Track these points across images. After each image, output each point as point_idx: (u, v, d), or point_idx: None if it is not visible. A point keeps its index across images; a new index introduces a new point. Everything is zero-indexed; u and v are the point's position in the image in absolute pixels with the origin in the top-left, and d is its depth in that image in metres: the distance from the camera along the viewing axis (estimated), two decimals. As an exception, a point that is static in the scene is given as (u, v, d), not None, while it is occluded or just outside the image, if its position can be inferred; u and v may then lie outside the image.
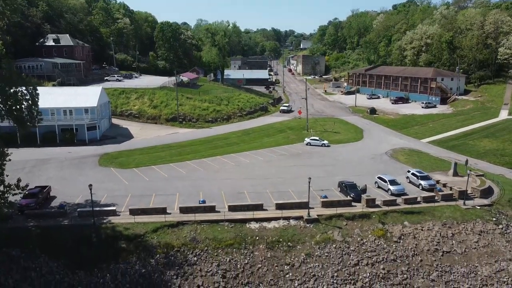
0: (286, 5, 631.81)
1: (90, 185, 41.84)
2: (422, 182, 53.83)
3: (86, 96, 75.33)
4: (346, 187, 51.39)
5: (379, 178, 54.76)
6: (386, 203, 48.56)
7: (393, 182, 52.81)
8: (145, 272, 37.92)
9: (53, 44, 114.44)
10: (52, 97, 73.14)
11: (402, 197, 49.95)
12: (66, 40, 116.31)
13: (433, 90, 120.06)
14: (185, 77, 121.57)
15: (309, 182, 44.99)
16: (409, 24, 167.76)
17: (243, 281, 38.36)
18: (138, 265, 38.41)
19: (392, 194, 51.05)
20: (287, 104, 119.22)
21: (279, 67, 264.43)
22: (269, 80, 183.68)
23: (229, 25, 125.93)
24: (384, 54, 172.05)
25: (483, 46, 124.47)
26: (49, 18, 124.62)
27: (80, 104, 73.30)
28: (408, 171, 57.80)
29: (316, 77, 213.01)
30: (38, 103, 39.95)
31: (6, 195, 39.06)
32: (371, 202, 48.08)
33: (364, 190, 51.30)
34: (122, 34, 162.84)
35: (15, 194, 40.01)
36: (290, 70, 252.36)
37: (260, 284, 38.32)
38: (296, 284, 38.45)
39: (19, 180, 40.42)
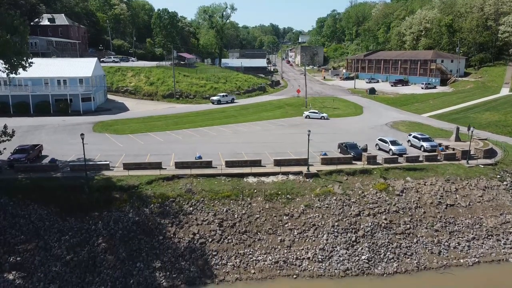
0: (284, 0, 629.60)
1: (82, 134, 40.38)
2: (424, 144, 52.66)
3: (81, 67, 73.77)
4: (347, 146, 50.07)
5: (380, 140, 53.57)
6: (387, 161, 47.28)
7: (394, 143, 51.62)
8: (139, 220, 36.48)
9: (48, 23, 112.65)
10: (45, 67, 71.61)
11: (404, 155, 48.77)
12: (61, 19, 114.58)
13: (433, 71, 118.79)
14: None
15: (308, 135, 43.65)
16: (408, 11, 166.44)
17: (241, 229, 36.95)
18: (132, 213, 36.98)
19: (394, 154, 49.77)
20: (223, 94, 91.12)
21: (277, 60, 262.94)
22: (267, 69, 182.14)
23: (226, 7, 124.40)
24: (383, 40, 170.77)
25: (483, 28, 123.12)
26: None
27: (75, 74, 71.71)
28: (409, 134, 56.78)
29: (314, 67, 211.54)
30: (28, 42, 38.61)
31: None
32: (372, 159, 46.77)
33: (365, 150, 49.95)
34: (119, 21, 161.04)
35: (3, 141, 38.68)
36: (288, 62, 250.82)
37: (258, 233, 36.90)
38: (295, 233, 37.06)
39: (5, 127, 39.09)
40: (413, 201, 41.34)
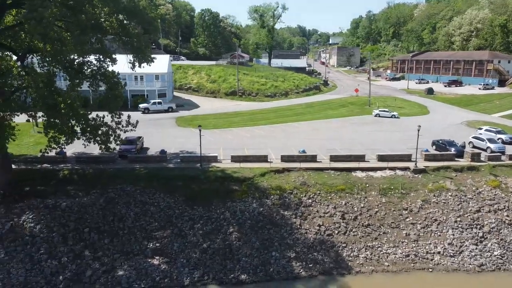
0: (312, 3, 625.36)
1: (199, 126, 41.20)
2: (503, 136, 53.58)
3: (156, 63, 74.63)
4: (445, 143, 49.57)
5: (475, 137, 52.86)
6: (491, 158, 46.50)
7: (491, 140, 50.86)
8: (263, 211, 36.85)
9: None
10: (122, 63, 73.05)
11: (506, 154, 47.88)
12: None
13: (489, 72, 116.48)
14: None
15: (418, 130, 43.51)
16: (455, 11, 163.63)
17: (363, 222, 36.92)
18: (255, 204, 37.40)
19: (492, 152, 48.95)
20: (154, 100, 74.18)
21: (310, 60, 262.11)
22: (306, 69, 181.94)
23: (278, 6, 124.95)
24: (429, 41, 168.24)
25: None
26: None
27: (151, 70, 72.85)
28: (480, 128, 57.06)
29: (351, 68, 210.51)
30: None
31: (117, 131, 38.63)
32: (476, 157, 46.07)
33: (463, 147, 49.39)
34: (164, 20, 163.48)
35: (127, 131, 39.58)
36: (322, 63, 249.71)
37: (381, 226, 36.80)
38: (418, 227, 36.80)
39: (129, 117, 40.03)
40: (531, 199, 40.52)
